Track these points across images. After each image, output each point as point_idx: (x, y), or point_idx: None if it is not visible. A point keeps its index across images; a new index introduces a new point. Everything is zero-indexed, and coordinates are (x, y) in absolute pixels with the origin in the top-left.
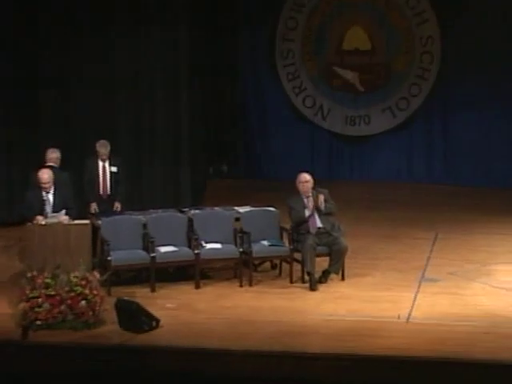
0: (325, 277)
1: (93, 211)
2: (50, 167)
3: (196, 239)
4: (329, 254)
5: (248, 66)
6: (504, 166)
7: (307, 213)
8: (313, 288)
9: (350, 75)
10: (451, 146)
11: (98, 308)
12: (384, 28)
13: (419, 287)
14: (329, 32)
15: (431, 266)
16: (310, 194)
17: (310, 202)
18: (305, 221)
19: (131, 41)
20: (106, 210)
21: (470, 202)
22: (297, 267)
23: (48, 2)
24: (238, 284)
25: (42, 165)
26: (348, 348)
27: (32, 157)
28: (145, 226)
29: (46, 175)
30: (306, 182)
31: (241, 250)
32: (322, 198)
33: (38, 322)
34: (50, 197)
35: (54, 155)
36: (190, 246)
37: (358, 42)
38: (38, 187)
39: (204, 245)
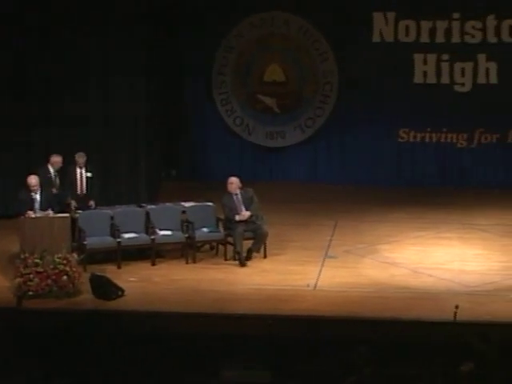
0: (249, 254)
1: (72, 207)
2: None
3: (152, 228)
4: (254, 238)
5: (191, 94)
6: (387, 168)
7: (237, 217)
8: (242, 264)
9: (269, 101)
10: (347, 154)
11: (76, 281)
12: (295, 64)
13: (323, 262)
14: (253, 68)
15: (332, 246)
16: (238, 192)
17: (238, 200)
18: (232, 218)
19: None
20: (83, 206)
21: (362, 197)
22: (229, 248)
23: None
24: (185, 262)
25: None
26: (270, 310)
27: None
28: (112, 217)
29: (34, 180)
30: (231, 183)
31: (186, 235)
32: (247, 213)
33: (30, 293)
34: (38, 196)
35: (56, 159)
36: (147, 233)
37: (275, 75)
38: (28, 189)
39: (158, 232)
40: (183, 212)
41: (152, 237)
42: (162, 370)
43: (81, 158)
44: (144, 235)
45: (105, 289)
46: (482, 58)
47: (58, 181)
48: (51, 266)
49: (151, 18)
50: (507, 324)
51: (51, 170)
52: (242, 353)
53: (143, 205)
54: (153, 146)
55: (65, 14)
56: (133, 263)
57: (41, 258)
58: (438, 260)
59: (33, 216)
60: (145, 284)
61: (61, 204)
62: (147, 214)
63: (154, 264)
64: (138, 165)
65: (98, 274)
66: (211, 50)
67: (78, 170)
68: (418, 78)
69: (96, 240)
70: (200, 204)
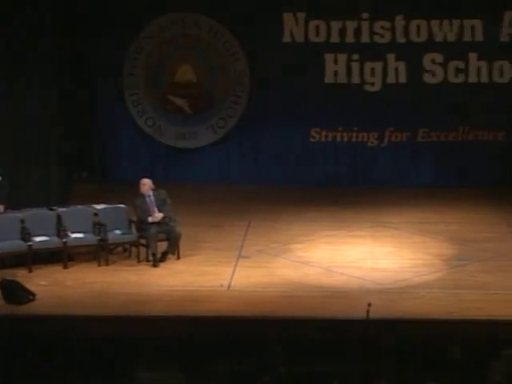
0: (164, 257)
1: None
2: None
3: (63, 230)
4: (167, 239)
5: (102, 95)
6: (299, 168)
7: (150, 219)
8: (155, 265)
9: (180, 102)
10: (260, 154)
11: None
12: (206, 65)
13: (237, 262)
14: (164, 69)
15: (245, 246)
16: (151, 194)
17: (151, 202)
18: (144, 220)
19: None
20: None
21: (274, 197)
22: (142, 250)
23: None
24: (97, 264)
25: None
26: (184, 311)
27: None
28: (22, 221)
29: None
30: (144, 184)
31: (99, 237)
32: (160, 215)
33: None
34: None
35: None
36: (59, 236)
37: (186, 76)
38: None
39: (70, 235)
40: (95, 214)
41: (64, 240)
42: (75, 374)
43: None
44: (55, 238)
45: (15, 293)
46: (391, 57)
47: None
48: None
49: (61, 18)
50: (418, 320)
51: None
52: (156, 354)
53: (54, 208)
54: (63, 147)
55: None
56: (44, 267)
57: None
58: (350, 258)
59: None
60: (57, 287)
61: None
62: (58, 216)
63: (66, 267)
64: (49, 167)
65: (9, 278)
66: (122, 50)
67: None
68: (328, 78)
69: (6, 244)
70: (112, 206)
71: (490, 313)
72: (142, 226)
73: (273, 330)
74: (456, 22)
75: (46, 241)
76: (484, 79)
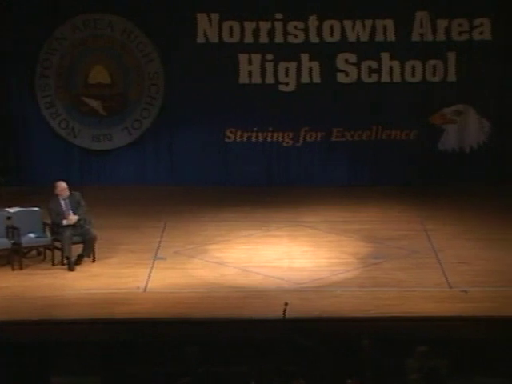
0: (79, 260)
1: None
2: None
3: None
4: (82, 242)
5: (15, 97)
6: (215, 168)
7: (65, 221)
8: (71, 269)
9: (94, 103)
10: (176, 155)
11: None
12: (120, 66)
13: (153, 264)
14: (77, 70)
15: (162, 248)
16: (65, 196)
17: (66, 204)
18: (59, 223)
19: None
20: None
21: (191, 198)
22: (57, 253)
23: None
24: (11, 268)
25: None
26: (100, 314)
27: None
28: None
29: None
30: (58, 187)
31: (12, 241)
32: (75, 218)
33: None
34: None
35: None
36: None
37: (100, 77)
38: None
39: None
40: (8, 218)
41: None
42: None
43: None
44: None
45: None
46: (305, 57)
47: None
48: None
49: None
50: (336, 319)
51: None
52: (73, 359)
53: None
54: None
55: None
56: None
57: None
58: (267, 258)
59: None
60: None
61: None
62: None
63: None
64: None
65: None
66: (34, 52)
67: None
68: (243, 79)
69: None
70: (26, 209)
71: (406, 310)
72: (57, 229)
73: (190, 331)
74: (368, 22)
75: None
76: (396, 79)
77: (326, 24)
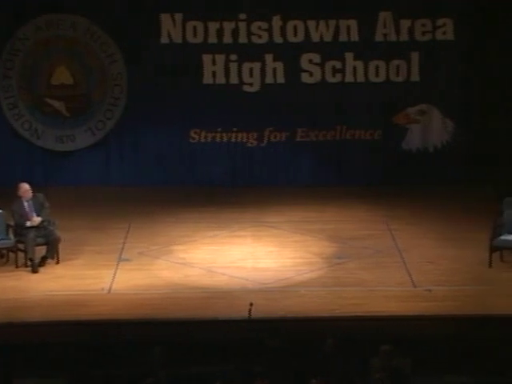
0: (43, 261)
1: None
2: None
3: None
4: (46, 244)
5: None
6: (180, 169)
7: (28, 223)
8: (34, 271)
9: (57, 104)
10: (140, 156)
11: None
12: (83, 67)
13: (117, 265)
14: (39, 71)
15: (126, 249)
16: (28, 198)
17: (29, 206)
18: (22, 224)
19: None
20: None
21: (155, 199)
22: (21, 255)
23: None
24: None
25: None
26: (64, 316)
27: None
28: None
29: None
30: (21, 189)
31: None
32: (38, 219)
33: None
34: None
35: None
36: None
37: (63, 78)
38: None
39: None
40: None
41: None
42: None
43: None
44: None
45: None
46: (269, 57)
47: None
48: None
49: None
50: (301, 319)
51: None
52: (37, 361)
53: None
54: None
55: None
56: None
57: None
58: (231, 259)
59: None
60: None
61: None
62: None
63: None
64: None
65: None
66: None
67: None
68: (207, 79)
69: None
70: None
71: (370, 309)
72: (20, 230)
73: (154, 332)
74: (332, 23)
75: None
76: (360, 79)
77: (290, 24)
